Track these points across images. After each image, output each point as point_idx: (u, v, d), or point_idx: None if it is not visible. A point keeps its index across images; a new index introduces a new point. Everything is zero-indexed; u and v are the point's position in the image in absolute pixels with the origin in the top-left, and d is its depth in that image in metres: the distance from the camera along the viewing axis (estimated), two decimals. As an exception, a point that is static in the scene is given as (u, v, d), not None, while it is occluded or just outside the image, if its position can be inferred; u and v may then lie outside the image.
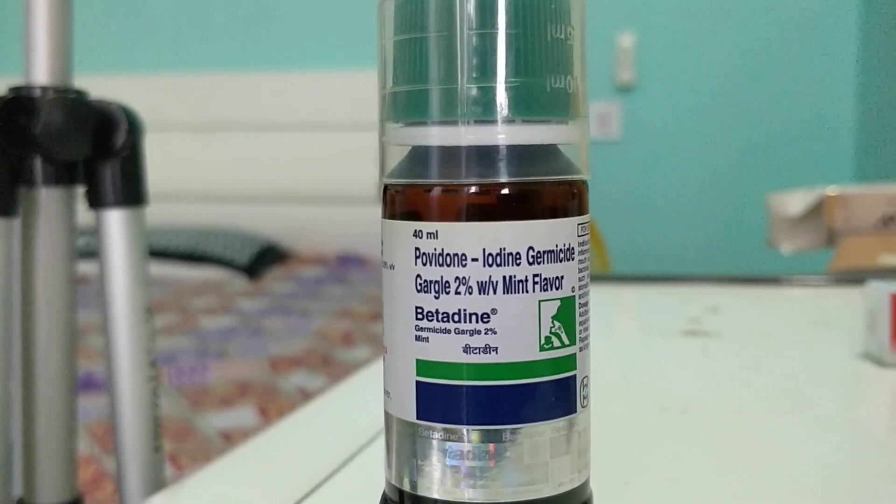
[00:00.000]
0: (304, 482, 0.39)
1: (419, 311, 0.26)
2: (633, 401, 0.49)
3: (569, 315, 0.26)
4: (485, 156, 0.25)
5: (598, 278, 0.92)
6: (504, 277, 0.25)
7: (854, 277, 0.83)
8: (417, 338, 0.26)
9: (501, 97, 0.24)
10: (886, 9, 2.10)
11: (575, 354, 0.26)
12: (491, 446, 0.25)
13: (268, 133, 2.49)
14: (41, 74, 0.47)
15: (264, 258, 2.30)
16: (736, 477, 0.38)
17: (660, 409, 0.47)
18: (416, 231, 0.25)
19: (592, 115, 2.32)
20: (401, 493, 0.27)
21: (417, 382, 0.26)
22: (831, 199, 1.01)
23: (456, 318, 0.25)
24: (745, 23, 2.29)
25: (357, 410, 0.50)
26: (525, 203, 0.25)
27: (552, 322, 0.25)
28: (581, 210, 0.26)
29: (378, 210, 0.28)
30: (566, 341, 0.26)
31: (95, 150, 0.48)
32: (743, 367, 0.57)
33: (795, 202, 1.05)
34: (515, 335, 0.25)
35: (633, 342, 0.66)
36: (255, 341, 1.58)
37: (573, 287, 0.26)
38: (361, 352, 1.56)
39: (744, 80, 2.30)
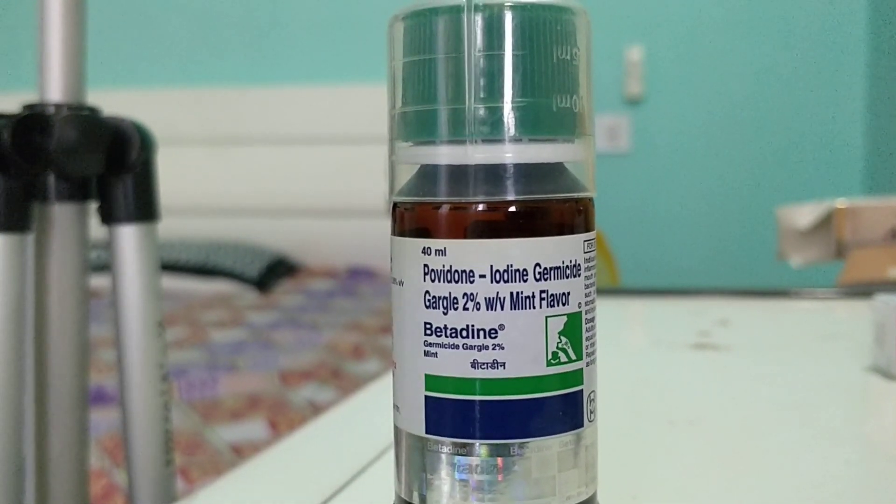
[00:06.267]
0: (315, 496, 0.39)
1: (428, 326, 0.26)
2: (641, 414, 0.49)
3: (575, 330, 0.26)
4: (492, 174, 0.25)
5: (606, 291, 0.93)
6: (511, 293, 0.25)
7: (863, 290, 0.83)
8: (426, 353, 0.26)
9: (508, 117, 0.25)
10: (895, 21, 2.10)
11: (582, 369, 0.27)
12: (499, 460, 0.26)
13: (278, 147, 2.50)
14: (55, 92, 0.48)
15: (274, 271, 2.31)
16: (744, 490, 0.38)
17: (668, 423, 0.47)
18: (424, 248, 0.26)
19: (601, 128, 2.32)
20: (410, 506, 0.27)
21: (426, 397, 0.26)
22: (840, 212, 1.01)
23: (464, 333, 0.25)
24: (753, 35, 2.30)
25: (367, 424, 0.50)
26: (532, 220, 0.26)
27: (559, 337, 0.26)
28: (587, 227, 0.27)
29: (387, 224, 0.28)
30: (573, 356, 0.26)
31: (108, 166, 0.48)
32: (752, 380, 0.57)
33: (804, 215, 1.05)
34: (523, 350, 0.25)
35: (642, 355, 0.66)
36: (266, 354, 1.58)
37: (580, 303, 0.26)
38: (371, 365, 1.56)
39: (752, 93, 2.30)
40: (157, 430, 0.49)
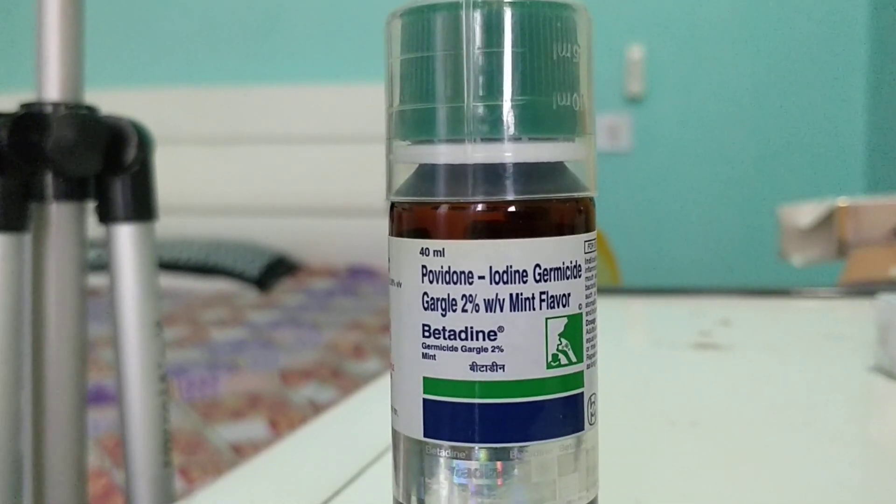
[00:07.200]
0: (315, 496, 0.39)
1: (426, 328, 0.26)
2: (642, 415, 0.49)
3: (576, 332, 0.26)
4: (491, 173, 0.25)
5: (607, 291, 0.92)
6: (511, 295, 0.25)
7: (865, 289, 0.83)
8: (424, 355, 0.26)
9: (508, 115, 0.25)
10: (897, 19, 2.10)
11: (582, 372, 0.26)
12: (499, 464, 0.25)
13: (278, 146, 2.50)
14: (53, 90, 0.47)
15: (275, 270, 2.31)
16: (747, 492, 0.38)
17: (670, 424, 0.47)
18: (422, 249, 0.26)
19: (602, 127, 2.32)
20: (408, 510, 0.27)
21: (424, 400, 0.26)
22: (842, 211, 1.00)
23: (463, 335, 0.25)
24: (754, 33, 2.29)
25: (367, 424, 0.50)
26: (532, 220, 0.25)
27: (559, 339, 0.25)
28: (588, 227, 0.26)
29: (387, 223, 0.28)
30: (573, 359, 0.26)
31: (106, 165, 0.48)
32: (754, 381, 0.56)
33: (806, 214, 1.05)
34: (522, 353, 0.25)
35: (643, 355, 0.66)
36: (266, 354, 1.58)
37: (580, 304, 0.26)
38: (372, 364, 1.56)
39: (754, 91, 2.30)
40: (155, 431, 0.49)
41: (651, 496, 0.37)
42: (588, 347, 0.26)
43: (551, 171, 0.26)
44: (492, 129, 0.25)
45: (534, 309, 0.25)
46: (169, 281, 1.98)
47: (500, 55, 0.24)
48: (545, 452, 0.25)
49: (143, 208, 0.49)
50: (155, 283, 0.50)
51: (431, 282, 0.25)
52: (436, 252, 0.25)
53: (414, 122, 0.26)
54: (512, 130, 0.25)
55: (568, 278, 0.26)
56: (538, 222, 0.25)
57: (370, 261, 2.36)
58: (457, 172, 0.25)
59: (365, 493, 0.39)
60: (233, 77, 2.58)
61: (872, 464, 0.43)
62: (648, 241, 2.36)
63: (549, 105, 0.25)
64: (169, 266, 2.14)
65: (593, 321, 0.27)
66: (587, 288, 0.26)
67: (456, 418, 0.25)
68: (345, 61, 2.49)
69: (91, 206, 0.50)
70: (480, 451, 0.25)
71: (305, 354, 1.56)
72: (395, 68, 0.26)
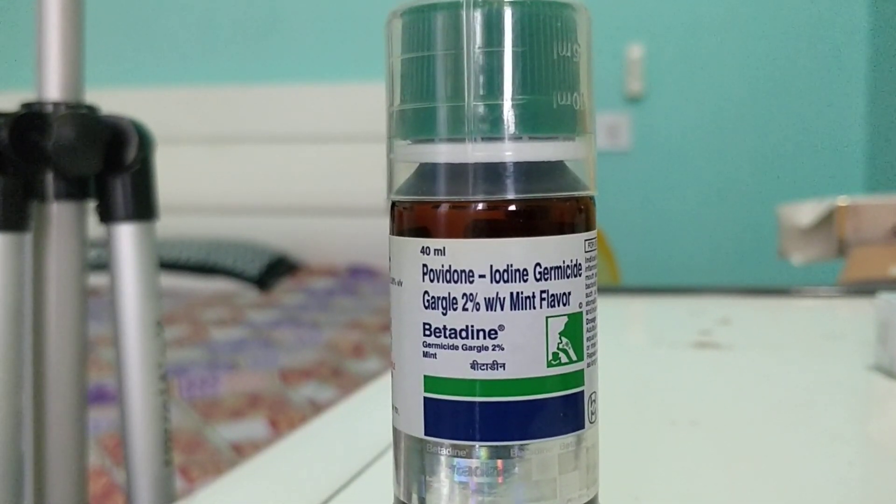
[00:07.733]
0: (315, 496, 0.39)
1: (427, 327, 0.26)
2: (642, 414, 0.49)
3: (576, 331, 0.26)
4: (492, 172, 0.25)
5: (607, 290, 0.92)
6: (511, 294, 0.25)
7: (865, 288, 0.83)
8: (425, 354, 0.26)
9: (508, 114, 0.25)
10: (897, 18, 2.10)
11: (583, 370, 0.26)
12: (499, 462, 0.25)
13: (278, 145, 2.50)
14: (53, 90, 0.47)
15: (275, 270, 2.31)
16: (747, 491, 0.38)
17: (670, 423, 0.47)
18: (423, 247, 0.26)
19: (601, 126, 2.32)
20: (409, 508, 0.27)
21: (425, 398, 0.26)
22: (842, 210, 1.01)
23: (463, 334, 0.25)
24: (754, 33, 2.29)
25: (367, 423, 0.50)
26: (532, 219, 0.25)
27: (560, 338, 0.26)
28: (588, 226, 0.26)
29: (388, 222, 0.28)
30: (574, 357, 0.26)
31: (107, 164, 0.48)
32: (754, 380, 0.57)
33: (806, 213, 1.05)
34: (523, 351, 0.25)
35: (643, 354, 0.66)
36: (266, 353, 1.58)
37: (581, 303, 0.26)
38: (372, 363, 1.56)
39: (753, 90, 2.30)
40: (156, 430, 0.49)
41: (650, 495, 0.37)
42: (588, 346, 0.26)
43: (551, 170, 0.26)
44: (492, 128, 0.25)
45: (534, 308, 0.25)
46: (169, 280, 1.98)
47: (500, 54, 0.24)
48: (546, 450, 0.26)
49: (143, 208, 0.49)
50: (155, 282, 0.50)
51: (432, 280, 0.25)
52: (436, 251, 0.25)
53: (414, 122, 0.26)
54: (512, 129, 0.25)
55: (568, 277, 0.26)
56: (538, 221, 0.25)
57: (370, 260, 2.36)
58: (457, 171, 0.25)
59: (365, 492, 0.39)
60: (233, 77, 2.58)
61: (872, 463, 0.43)
62: (648, 240, 2.36)
63: (550, 104, 0.25)
64: (169, 265, 2.14)
65: (594, 320, 0.27)
66: (587, 287, 0.26)
67: (457, 416, 0.25)
68: (345, 61, 2.49)
69: (92, 205, 0.50)
70: (481, 449, 0.25)
71: (305, 354, 1.56)
72: (395, 67, 0.26)
